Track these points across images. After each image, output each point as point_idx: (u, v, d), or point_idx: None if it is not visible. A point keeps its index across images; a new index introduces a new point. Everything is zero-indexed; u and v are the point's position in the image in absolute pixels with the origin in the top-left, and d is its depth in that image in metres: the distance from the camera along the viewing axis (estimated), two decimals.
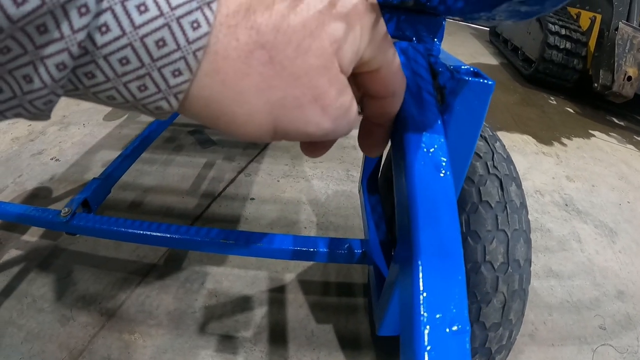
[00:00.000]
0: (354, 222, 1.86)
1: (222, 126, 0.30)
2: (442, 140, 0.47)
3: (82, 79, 0.25)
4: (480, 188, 0.78)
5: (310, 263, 1.61)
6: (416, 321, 0.38)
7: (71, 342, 1.26)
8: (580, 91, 4.21)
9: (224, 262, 1.57)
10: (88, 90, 0.26)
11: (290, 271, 1.57)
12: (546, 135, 3.21)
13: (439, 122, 0.49)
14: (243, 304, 1.43)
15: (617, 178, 2.72)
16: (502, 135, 3.06)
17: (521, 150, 2.88)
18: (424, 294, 0.38)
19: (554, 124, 3.46)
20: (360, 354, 1.32)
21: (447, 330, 0.37)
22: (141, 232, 1.12)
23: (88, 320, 1.33)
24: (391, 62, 0.37)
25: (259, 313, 1.41)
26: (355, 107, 0.35)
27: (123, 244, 1.60)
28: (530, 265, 0.83)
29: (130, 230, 1.13)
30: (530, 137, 3.11)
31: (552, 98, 4.11)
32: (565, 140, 3.17)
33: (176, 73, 0.26)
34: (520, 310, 0.82)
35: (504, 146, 0.87)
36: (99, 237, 1.36)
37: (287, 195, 1.99)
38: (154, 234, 1.11)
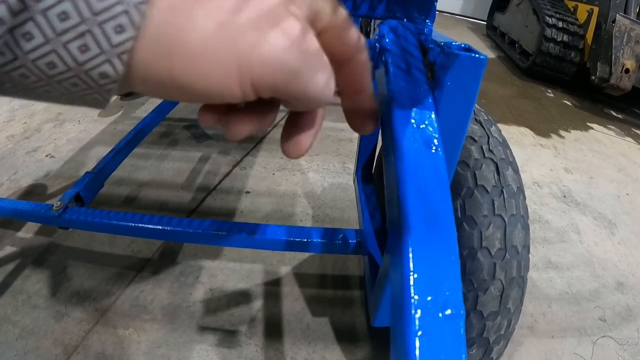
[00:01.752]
0: (350, 215, 1.85)
1: (179, 86, 0.28)
2: (433, 116, 0.45)
3: (20, 41, 0.23)
4: (476, 172, 0.76)
5: (306, 256, 1.60)
6: (406, 304, 0.36)
7: (66, 338, 1.26)
8: (578, 84, 4.20)
9: (219, 256, 1.56)
10: (27, 58, 0.24)
11: (285, 264, 1.56)
12: (544, 127, 3.20)
13: (430, 98, 0.47)
14: (238, 297, 1.42)
15: (616, 170, 2.72)
16: (499, 127, 3.06)
17: (519, 142, 2.87)
18: (415, 275, 0.36)
19: (551, 116, 3.45)
20: (356, 347, 1.31)
21: (440, 314, 0.35)
22: (133, 224, 1.11)
23: (82, 316, 1.32)
24: (344, 19, 0.35)
25: (254, 306, 1.40)
26: (325, 57, 0.34)
27: (117, 239, 1.59)
28: (528, 252, 0.81)
29: (122, 223, 1.12)
30: (527, 130, 3.10)
31: (549, 91, 4.10)
32: (563, 133, 3.16)
33: (118, 29, 0.24)
34: (518, 298, 0.80)
35: (500, 130, 0.86)
36: (91, 231, 1.34)
37: (282, 188, 1.98)
38: (146, 226, 1.10)
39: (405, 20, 0.66)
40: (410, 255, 0.36)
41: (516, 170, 0.82)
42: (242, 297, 1.42)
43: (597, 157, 2.86)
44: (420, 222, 0.37)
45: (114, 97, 2.78)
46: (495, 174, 0.77)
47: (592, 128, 3.36)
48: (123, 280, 1.44)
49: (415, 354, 0.33)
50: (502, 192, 0.76)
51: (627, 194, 2.45)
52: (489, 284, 0.74)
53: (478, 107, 0.88)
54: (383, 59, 0.55)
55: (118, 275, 1.46)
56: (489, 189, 0.75)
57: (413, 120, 0.45)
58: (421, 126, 0.44)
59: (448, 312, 0.35)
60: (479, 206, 0.75)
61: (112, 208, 1.75)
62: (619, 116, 3.80)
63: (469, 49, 0.47)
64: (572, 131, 3.22)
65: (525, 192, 2.20)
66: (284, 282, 1.49)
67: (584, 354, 1.42)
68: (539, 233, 1.95)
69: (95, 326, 1.29)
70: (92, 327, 1.29)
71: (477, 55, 0.46)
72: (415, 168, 0.40)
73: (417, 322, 0.34)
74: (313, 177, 2.09)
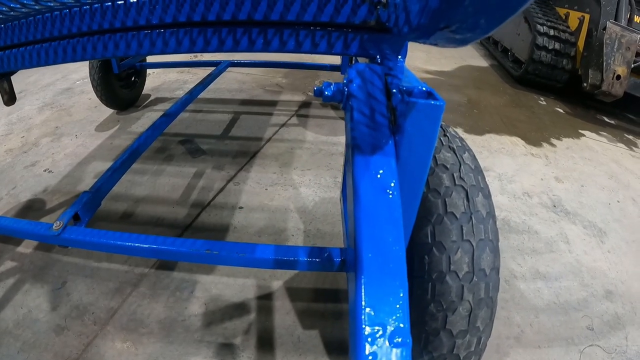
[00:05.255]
0: (340, 229, 1.88)
1: None
2: (392, 162, 0.50)
3: None
4: (446, 199, 0.80)
5: (297, 271, 1.63)
6: (359, 334, 0.41)
7: (66, 351, 1.30)
8: (570, 91, 4.23)
9: (213, 271, 1.60)
10: None
11: (277, 279, 1.60)
12: (535, 136, 3.23)
13: (390, 143, 0.52)
14: (231, 311, 1.46)
15: (607, 177, 2.74)
16: (490, 137, 3.10)
17: (510, 152, 2.90)
18: (366, 310, 0.41)
19: (543, 124, 3.48)
20: (346, 359, 1.34)
21: (388, 343, 0.40)
22: (128, 244, 1.15)
23: (82, 329, 1.36)
24: None
25: (247, 320, 1.44)
26: None
27: (115, 254, 1.62)
28: (497, 274, 0.85)
29: (118, 243, 1.16)
30: (519, 139, 3.13)
31: (542, 99, 4.13)
32: (554, 141, 3.19)
33: None
34: (488, 317, 0.84)
35: (474, 157, 0.90)
36: (89, 249, 1.38)
37: (275, 204, 2.02)
38: (141, 245, 1.14)
39: (378, 57, 0.71)
40: (363, 291, 0.41)
41: (487, 196, 0.86)
42: (235, 310, 1.46)
43: (589, 164, 2.88)
44: (372, 262, 0.42)
45: (111, 112, 2.82)
46: (465, 201, 0.81)
47: (584, 135, 3.38)
48: (121, 295, 1.48)
49: None
50: (471, 218, 0.80)
51: (618, 201, 2.47)
52: (457, 304, 0.79)
53: (452, 132, 0.93)
54: (349, 104, 0.59)
55: (116, 290, 1.50)
56: (458, 216, 0.79)
57: (373, 167, 0.49)
58: (380, 171, 0.48)
59: (397, 340, 0.40)
60: (448, 232, 0.79)
61: (110, 224, 1.79)
62: (611, 122, 3.82)
63: (430, 94, 0.51)
64: (564, 139, 3.24)
65: (515, 203, 2.25)
66: (276, 296, 1.53)
67: None
68: (528, 244, 1.97)
69: (94, 340, 1.33)
70: (91, 340, 1.33)
71: (434, 102, 0.50)
72: (371, 213, 0.44)
73: (367, 349, 0.39)
74: (305, 192, 2.12)
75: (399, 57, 0.72)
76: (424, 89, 0.53)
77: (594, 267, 1.90)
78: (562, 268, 1.87)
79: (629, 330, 1.60)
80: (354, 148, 0.51)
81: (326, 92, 0.71)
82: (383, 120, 0.55)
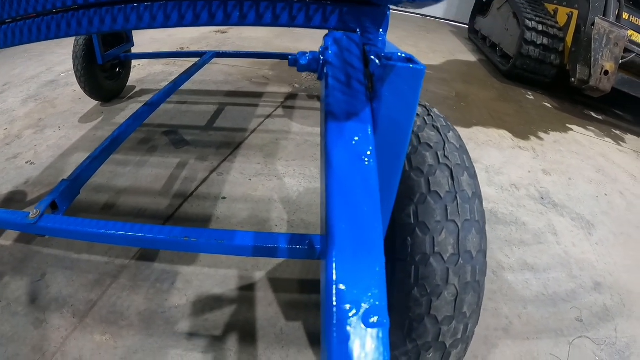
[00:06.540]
0: None
1: None
2: (369, 128, 0.47)
3: None
4: (430, 178, 0.77)
5: (280, 261, 1.62)
6: (328, 314, 0.37)
7: (45, 345, 1.27)
8: (558, 86, 4.25)
9: (194, 262, 1.57)
10: None
11: (260, 269, 1.57)
12: (523, 130, 3.23)
13: (367, 110, 0.49)
14: (212, 303, 1.43)
15: (595, 171, 2.74)
16: (478, 130, 3.09)
17: (497, 145, 2.90)
18: (339, 286, 0.37)
19: (531, 118, 3.48)
20: None
21: (362, 323, 0.36)
22: (106, 232, 1.12)
23: (61, 322, 1.33)
24: None
25: (228, 312, 1.41)
26: None
27: (96, 245, 1.60)
28: (485, 257, 0.82)
29: (95, 231, 1.13)
30: (506, 132, 3.13)
31: (529, 94, 4.14)
32: (542, 135, 3.19)
33: None
34: (475, 303, 0.81)
35: (459, 137, 0.87)
36: (67, 238, 1.35)
37: (258, 194, 1.99)
38: (119, 233, 1.11)
39: (358, 30, 0.68)
40: (334, 266, 0.37)
41: (472, 176, 0.83)
42: (216, 302, 1.43)
43: (576, 158, 2.89)
44: (345, 234, 0.38)
45: (95, 103, 2.78)
46: (450, 180, 0.78)
47: (571, 129, 3.39)
48: (101, 287, 1.45)
49: None
50: (456, 197, 0.77)
51: (606, 194, 2.47)
52: (443, 289, 0.76)
53: (437, 112, 0.90)
54: (325, 72, 0.56)
55: (96, 282, 1.47)
56: (442, 195, 0.77)
57: (347, 134, 0.46)
58: (355, 138, 0.45)
59: (372, 320, 0.36)
60: (432, 212, 0.76)
61: (91, 215, 1.76)
62: (599, 117, 3.84)
63: (409, 59, 0.48)
64: (552, 133, 3.25)
65: (502, 195, 2.24)
66: (258, 287, 1.50)
67: (560, 355, 1.43)
68: (516, 235, 1.97)
69: (73, 332, 1.30)
70: (70, 333, 1.30)
71: (414, 66, 0.47)
72: (344, 180, 0.41)
73: (339, 329, 0.36)
74: (289, 183, 2.10)
75: (380, 30, 0.69)
76: (403, 55, 0.50)
77: (582, 259, 1.90)
78: (550, 260, 1.86)
79: (618, 322, 1.60)
80: (327, 115, 0.48)
81: (301, 61, 0.68)
82: (360, 87, 0.52)
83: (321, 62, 0.62)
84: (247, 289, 1.49)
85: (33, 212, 1.19)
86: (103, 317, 1.36)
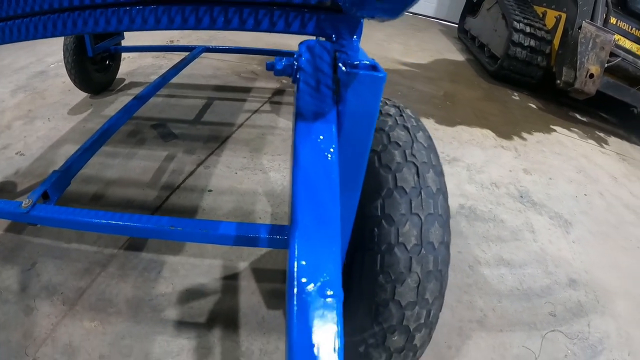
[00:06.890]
0: None
1: None
2: (333, 128, 0.53)
3: None
4: (397, 174, 0.83)
5: (264, 251, 1.67)
6: (290, 286, 0.43)
7: (35, 331, 1.30)
8: (544, 88, 4.31)
9: (180, 251, 1.62)
10: None
11: (244, 260, 1.62)
12: (507, 129, 3.29)
13: (333, 111, 0.55)
14: (198, 291, 1.48)
15: (576, 171, 2.80)
16: (461, 129, 3.15)
17: (480, 144, 2.96)
18: (301, 262, 0.44)
19: (515, 119, 3.54)
20: None
21: (320, 296, 0.42)
22: (95, 221, 1.16)
23: (51, 309, 1.37)
24: None
25: (213, 300, 1.46)
26: None
27: (85, 235, 1.64)
28: (447, 249, 0.88)
29: (85, 220, 1.17)
30: (490, 132, 3.18)
31: (515, 94, 4.20)
32: (525, 135, 3.25)
33: None
34: (437, 290, 0.86)
35: (428, 136, 0.93)
36: (58, 227, 1.39)
37: (244, 187, 2.04)
38: (108, 222, 1.15)
39: (334, 37, 0.73)
40: (296, 245, 0.44)
41: (438, 174, 0.88)
42: (201, 291, 1.48)
43: (558, 158, 2.95)
44: (307, 218, 0.45)
45: (84, 95, 2.80)
46: (415, 176, 0.83)
47: (555, 130, 3.45)
48: (90, 275, 1.49)
49: (294, 329, 0.41)
50: (421, 192, 0.83)
51: (586, 195, 2.53)
52: (406, 276, 0.81)
53: (410, 113, 0.95)
54: (298, 77, 0.62)
55: (85, 270, 1.51)
56: (407, 190, 0.82)
57: (313, 132, 0.51)
58: (320, 137, 0.51)
59: (328, 292, 0.42)
60: (397, 205, 0.82)
61: (80, 205, 1.79)
62: (584, 119, 3.89)
63: (374, 67, 0.54)
64: (535, 133, 3.30)
65: (482, 193, 2.29)
66: (242, 277, 1.55)
67: (533, 347, 1.49)
68: (493, 232, 2.02)
69: (63, 319, 1.34)
70: (60, 320, 1.34)
71: (375, 74, 0.53)
72: (309, 172, 0.47)
73: (299, 300, 0.42)
74: (274, 176, 2.15)
75: (354, 37, 0.75)
76: (367, 62, 0.55)
77: (558, 256, 1.95)
78: (526, 256, 1.92)
79: (591, 317, 1.65)
80: (297, 115, 0.53)
81: (277, 67, 0.74)
82: (327, 91, 0.57)
83: (295, 67, 0.67)
84: (231, 278, 1.54)
85: (26, 202, 1.23)
86: (92, 304, 1.40)
